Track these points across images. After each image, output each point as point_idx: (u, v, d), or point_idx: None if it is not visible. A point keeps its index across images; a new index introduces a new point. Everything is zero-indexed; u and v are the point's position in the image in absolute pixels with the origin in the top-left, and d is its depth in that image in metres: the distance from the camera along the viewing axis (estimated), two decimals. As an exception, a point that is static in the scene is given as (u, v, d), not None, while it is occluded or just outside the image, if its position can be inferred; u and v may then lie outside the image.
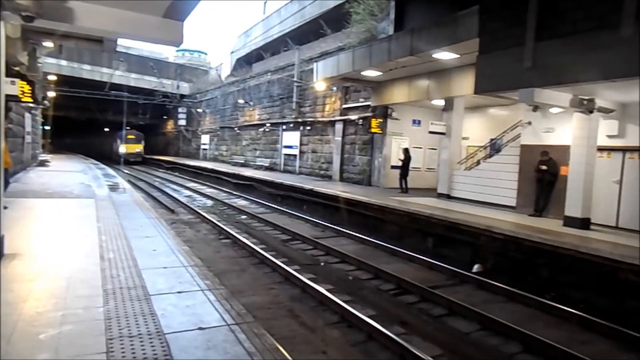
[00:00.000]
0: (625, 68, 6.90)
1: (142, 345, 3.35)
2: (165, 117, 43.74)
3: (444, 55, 11.78)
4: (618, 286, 7.01)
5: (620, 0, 6.95)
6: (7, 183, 9.96)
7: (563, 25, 7.90)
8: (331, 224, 13.13)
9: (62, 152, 42.74)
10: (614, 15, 7.06)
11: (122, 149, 40.48)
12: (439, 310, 6.81)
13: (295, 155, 24.08)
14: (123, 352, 3.23)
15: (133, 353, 3.23)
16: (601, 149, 10.06)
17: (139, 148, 42.50)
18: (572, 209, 9.78)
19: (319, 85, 18.12)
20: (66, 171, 20.10)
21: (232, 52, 41.72)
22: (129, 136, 41.87)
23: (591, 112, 9.39)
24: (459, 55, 11.56)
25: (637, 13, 6.77)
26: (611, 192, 10.03)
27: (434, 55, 11.89)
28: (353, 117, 19.12)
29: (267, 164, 26.44)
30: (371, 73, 14.81)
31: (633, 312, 6.62)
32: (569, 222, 9.73)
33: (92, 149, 51.22)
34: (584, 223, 9.61)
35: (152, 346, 3.35)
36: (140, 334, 3.54)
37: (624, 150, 9.95)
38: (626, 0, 6.87)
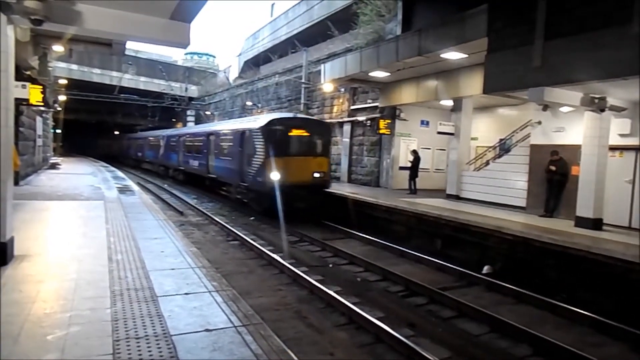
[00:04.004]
0: (636, 66, 6.78)
1: (149, 347, 3.35)
2: (174, 119, 43.75)
3: (452, 55, 11.70)
4: (631, 288, 6.88)
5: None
6: (15, 184, 10.09)
7: (572, 23, 7.80)
8: (339, 225, 13.08)
9: (73, 155, 43.06)
10: (623, 13, 6.96)
11: (274, 174, 13.40)
12: (448, 312, 6.74)
13: (303, 157, 23.75)
14: (129, 354, 3.22)
15: (139, 354, 3.22)
16: (613, 148, 9.91)
17: (321, 169, 14.60)
18: (584, 209, 9.64)
19: (327, 86, 18.10)
20: (76, 174, 20.29)
21: (239, 55, 41.90)
22: (297, 131, 14.57)
23: (602, 110, 9.26)
24: (467, 55, 11.47)
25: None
26: (623, 192, 9.87)
27: (442, 55, 11.81)
28: (361, 118, 19.07)
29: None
30: (379, 74, 14.76)
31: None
32: (581, 222, 9.59)
33: (107, 153, 48.79)
34: (596, 223, 9.46)
35: (159, 348, 3.35)
36: (146, 336, 3.54)
37: (636, 149, 9.79)
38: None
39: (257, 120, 15.07)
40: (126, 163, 40.80)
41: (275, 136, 13.92)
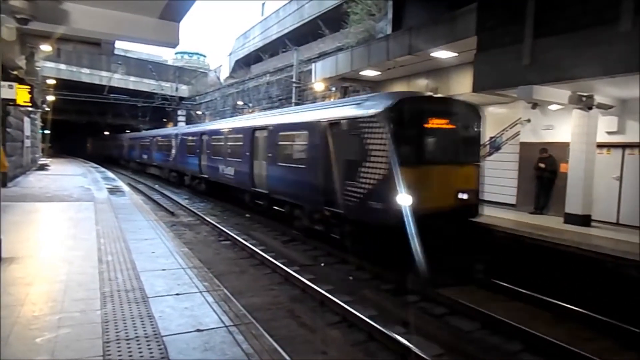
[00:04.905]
0: (624, 63, 6.87)
1: (139, 348, 3.32)
2: (164, 119, 43.41)
3: (442, 54, 11.76)
4: (620, 282, 6.97)
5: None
6: (3, 186, 9.96)
7: (561, 21, 7.88)
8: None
9: (63, 156, 42.50)
10: (612, 11, 7.05)
11: (403, 196, 7.59)
12: (440, 310, 6.78)
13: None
14: (120, 355, 3.20)
15: (130, 356, 3.20)
16: (601, 146, 10.03)
17: (468, 186, 8.68)
18: (573, 206, 9.76)
19: (318, 85, 18.10)
20: (66, 175, 20.08)
21: (230, 54, 41.84)
22: (437, 122, 8.53)
23: (590, 108, 9.38)
24: (457, 54, 11.54)
25: (636, 8, 6.75)
26: (611, 189, 10.00)
27: (432, 54, 11.87)
28: (352, 117, 19.03)
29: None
30: (370, 73, 14.78)
31: (635, 308, 6.57)
32: (570, 219, 9.70)
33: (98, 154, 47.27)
34: (585, 220, 9.58)
35: (150, 349, 3.33)
36: (137, 337, 3.52)
37: (623, 146, 9.92)
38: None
39: (364, 104, 8.87)
40: (127, 167, 37.50)
41: (407, 130, 8.18)
